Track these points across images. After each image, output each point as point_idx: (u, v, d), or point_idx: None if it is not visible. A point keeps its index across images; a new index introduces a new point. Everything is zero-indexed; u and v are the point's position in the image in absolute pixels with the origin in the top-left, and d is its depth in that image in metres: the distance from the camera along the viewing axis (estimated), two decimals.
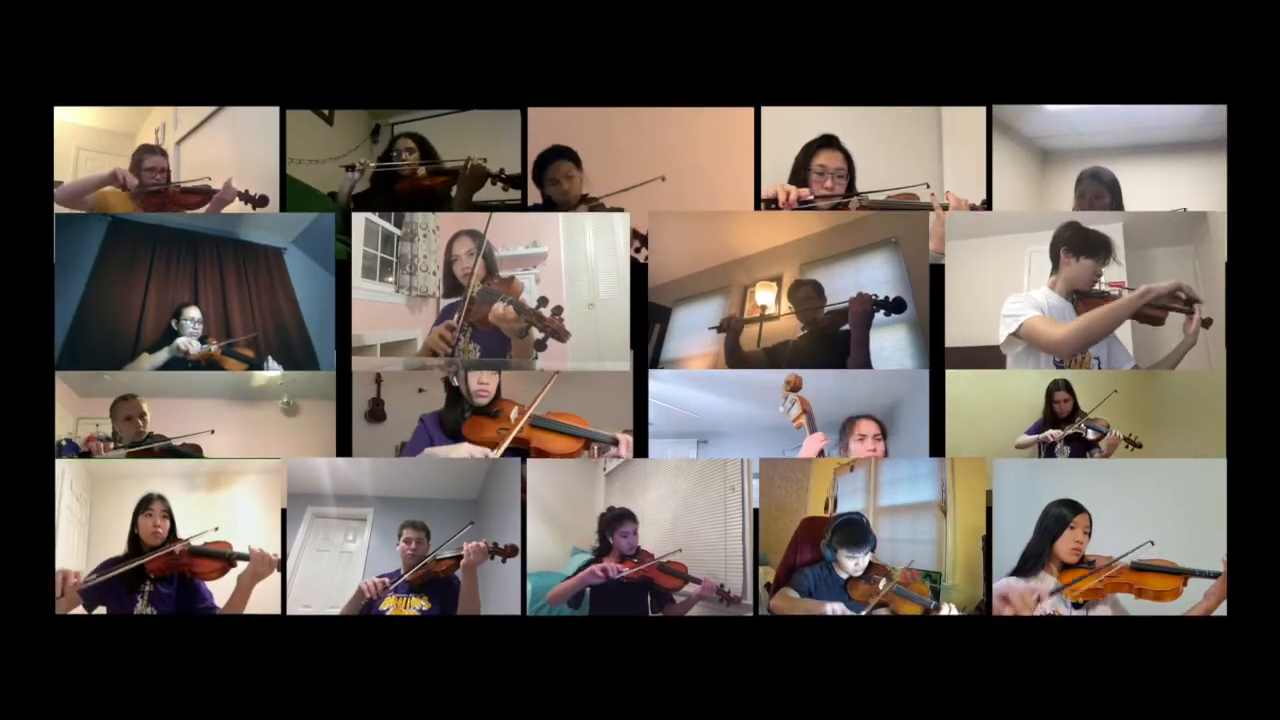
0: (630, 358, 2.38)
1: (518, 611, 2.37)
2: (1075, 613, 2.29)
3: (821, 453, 2.39)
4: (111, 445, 2.40)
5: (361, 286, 2.43)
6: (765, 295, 2.44)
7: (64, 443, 2.39)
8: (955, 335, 2.36)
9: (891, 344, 2.35)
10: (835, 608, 2.29)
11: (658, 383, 2.40)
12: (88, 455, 2.39)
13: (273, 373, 2.45)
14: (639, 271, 2.40)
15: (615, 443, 2.37)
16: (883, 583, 2.30)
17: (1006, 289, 2.39)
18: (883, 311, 2.33)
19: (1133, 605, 2.28)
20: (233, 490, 2.41)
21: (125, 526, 2.38)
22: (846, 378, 2.38)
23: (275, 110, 2.40)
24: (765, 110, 2.38)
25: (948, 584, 2.33)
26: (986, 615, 2.32)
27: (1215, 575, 2.25)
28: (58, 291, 2.37)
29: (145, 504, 2.39)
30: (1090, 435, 2.39)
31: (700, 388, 2.44)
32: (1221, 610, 2.27)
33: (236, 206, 2.43)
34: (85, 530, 2.40)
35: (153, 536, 2.37)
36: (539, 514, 2.39)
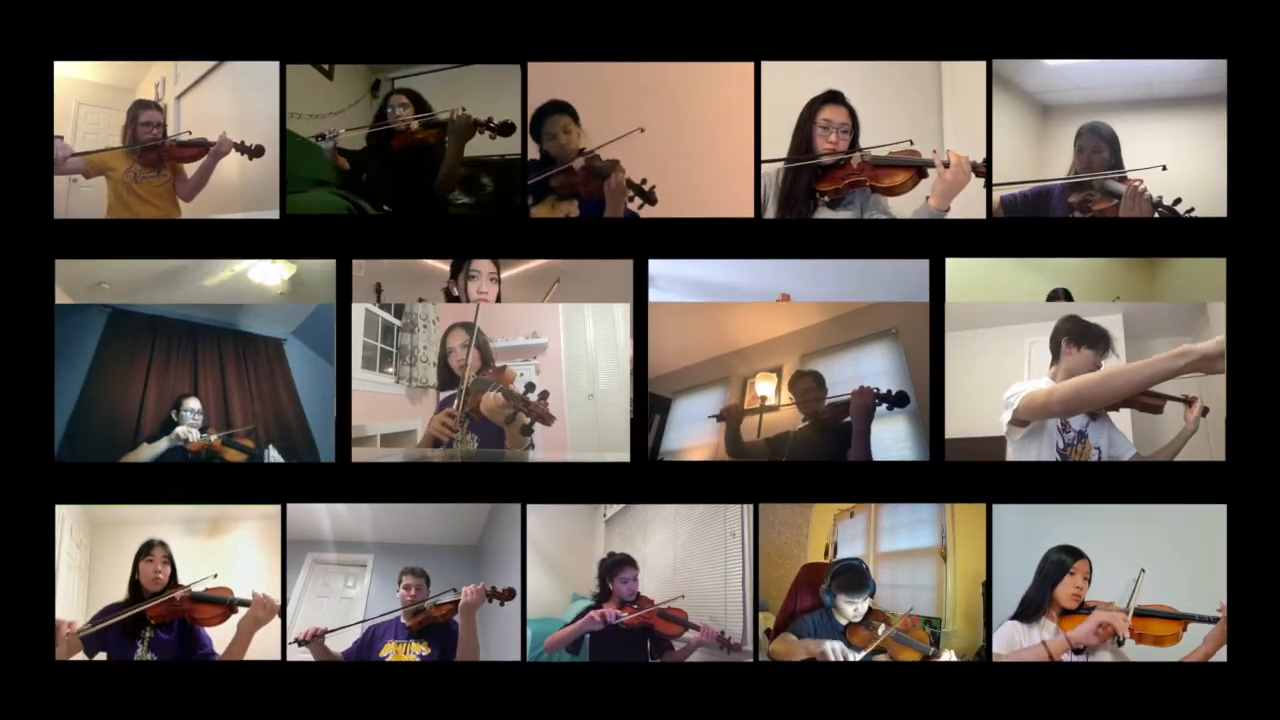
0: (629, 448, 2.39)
1: (517, 658, 2.36)
2: (1075, 658, 2.29)
3: None
4: None
5: (361, 377, 2.43)
6: (765, 386, 2.44)
7: None
8: (956, 427, 2.36)
9: (890, 436, 2.35)
10: (834, 645, 2.29)
11: (658, 291, 2.38)
12: None
13: (273, 282, 2.44)
14: (639, 226, 2.38)
15: None
16: (882, 628, 2.30)
17: (1006, 380, 2.37)
18: (885, 405, 2.33)
19: (1133, 650, 2.28)
20: (233, 536, 2.41)
21: (125, 572, 2.39)
22: (846, 288, 2.39)
23: (275, 65, 2.39)
24: (765, 65, 2.37)
25: (947, 630, 2.33)
26: (986, 661, 2.32)
27: (1215, 620, 2.26)
28: (58, 382, 2.37)
29: (146, 550, 2.39)
30: None
31: (700, 297, 2.42)
32: (1221, 655, 2.27)
33: (233, 157, 2.42)
34: (85, 576, 2.40)
35: (153, 582, 2.37)
36: (539, 560, 2.38)
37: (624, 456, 2.38)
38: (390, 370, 2.49)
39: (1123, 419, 2.36)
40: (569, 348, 2.48)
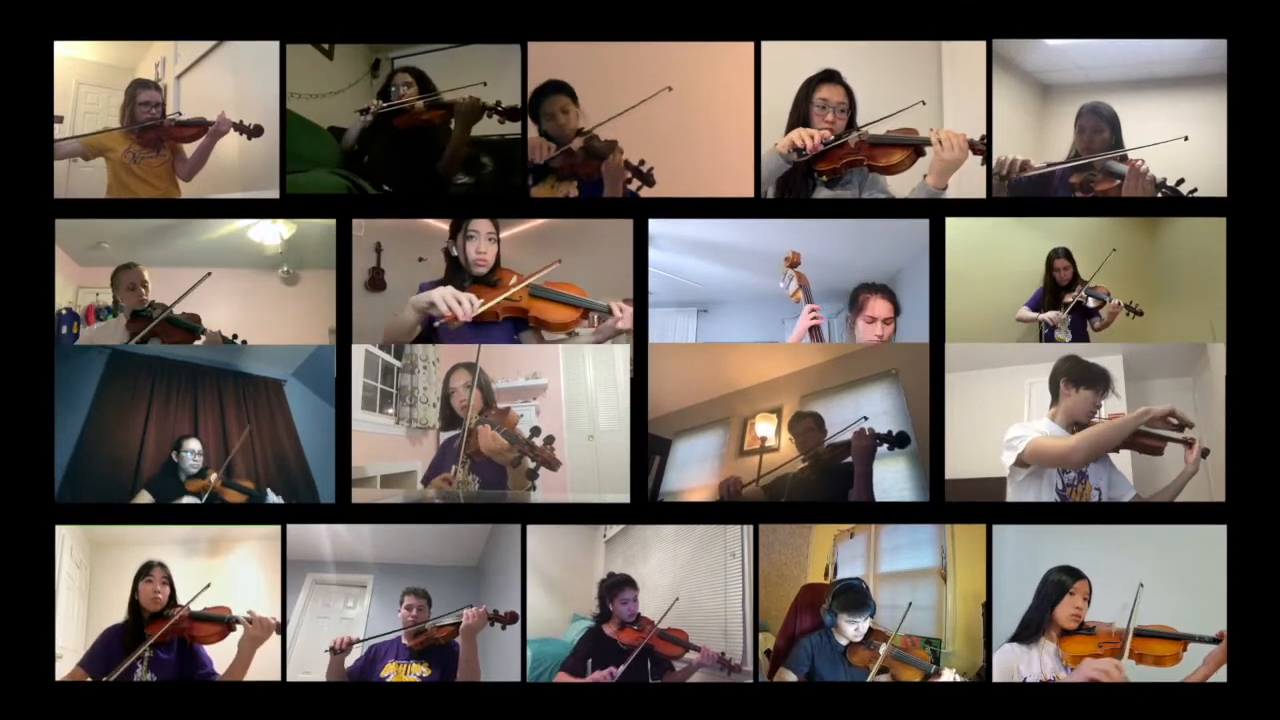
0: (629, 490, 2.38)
1: (517, 678, 2.36)
2: (1075, 678, 2.29)
3: (815, 328, 2.36)
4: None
5: (361, 418, 2.41)
6: (765, 427, 2.44)
7: (64, 311, 2.39)
8: (956, 467, 2.34)
9: (891, 477, 2.33)
10: None
11: (658, 251, 2.38)
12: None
13: (273, 242, 2.44)
14: (638, 206, 2.37)
15: (612, 311, 2.32)
16: (883, 648, 2.30)
17: (1006, 421, 2.36)
18: (886, 446, 2.32)
19: (1133, 671, 2.27)
20: (233, 556, 2.41)
21: (125, 593, 2.38)
22: (849, 246, 2.39)
23: (275, 45, 2.37)
24: (765, 45, 2.36)
25: (947, 650, 2.33)
26: (987, 681, 2.31)
27: (1215, 641, 2.25)
28: (58, 424, 2.35)
29: (146, 570, 2.39)
30: (1091, 304, 2.42)
31: (701, 256, 2.43)
32: (1221, 675, 2.27)
33: (233, 137, 2.41)
34: (85, 596, 2.40)
35: (153, 602, 2.37)
36: (539, 581, 2.38)
37: (624, 498, 2.37)
38: (390, 411, 2.48)
39: (1123, 460, 2.35)
40: (569, 389, 2.47)
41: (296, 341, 2.42)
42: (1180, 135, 2.32)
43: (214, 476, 2.45)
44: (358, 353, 2.40)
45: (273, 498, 2.43)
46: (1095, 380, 2.35)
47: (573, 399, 2.47)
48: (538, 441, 2.39)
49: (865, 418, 2.33)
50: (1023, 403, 2.40)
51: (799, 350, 2.40)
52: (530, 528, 2.37)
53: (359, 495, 2.38)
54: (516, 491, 2.40)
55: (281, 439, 2.49)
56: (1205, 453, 2.27)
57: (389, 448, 2.48)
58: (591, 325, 2.39)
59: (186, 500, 2.41)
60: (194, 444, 2.48)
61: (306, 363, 2.45)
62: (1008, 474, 2.34)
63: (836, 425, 2.37)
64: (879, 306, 2.41)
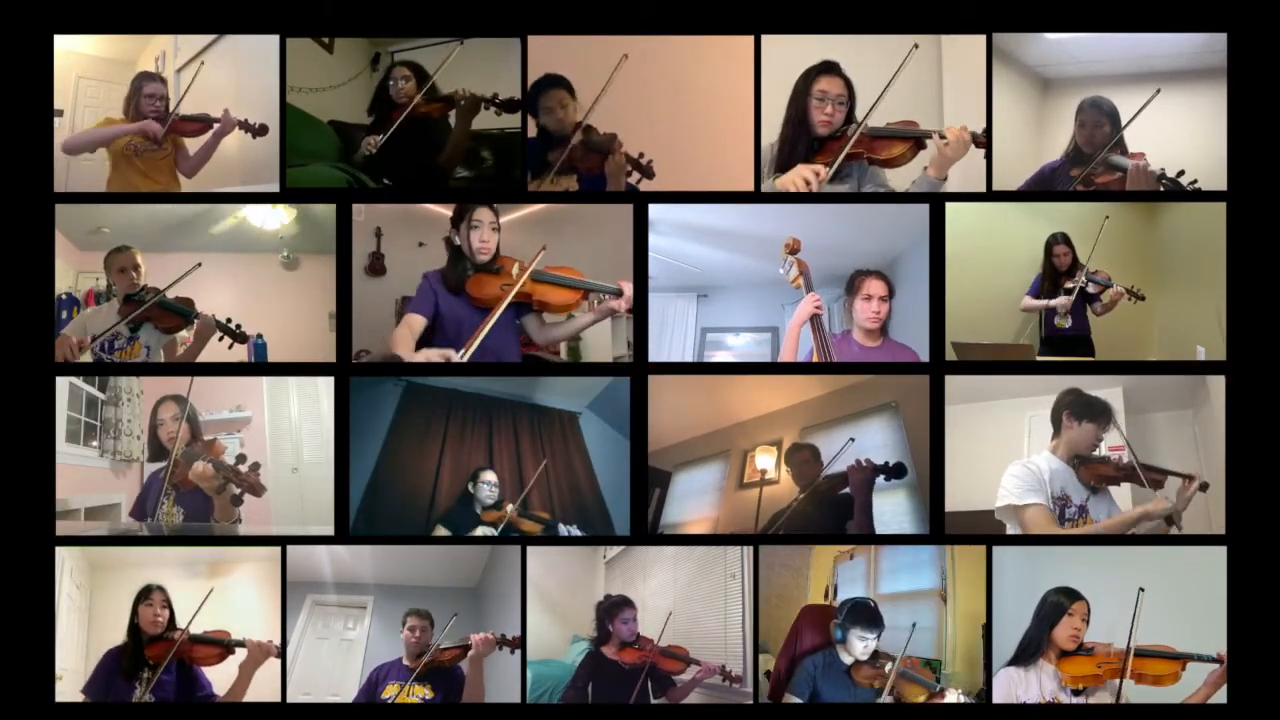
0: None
1: (517, 699, 2.36)
2: (1076, 700, 2.29)
3: (816, 316, 2.36)
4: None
5: (65, 451, 2.38)
6: (765, 460, 2.43)
7: (63, 296, 2.39)
8: (956, 500, 2.33)
9: (891, 508, 2.33)
10: None
11: (658, 236, 2.37)
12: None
13: (273, 227, 2.45)
14: (638, 200, 2.35)
15: (618, 293, 2.32)
16: (889, 666, 2.29)
17: (1006, 454, 2.36)
18: (883, 477, 2.30)
19: (1133, 691, 2.27)
20: (233, 578, 2.40)
21: (125, 615, 2.38)
22: (849, 232, 2.39)
23: (275, 39, 2.36)
24: (765, 39, 2.36)
25: (947, 672, 2.33)
26: (988, 703, 2.31)
27: (1214, 660, 2.25)
28: (353, 452, 2.35)
29: (145, 594, 2.38)
30: (1092, 289, 2.43)
31: (702, 242, 2.43)
32: (1221, 696, 2.27)
33: (236, 135, 2.39)
34: (85, 618, 2.40)
35: (153, 625, 2.37)
36: (539, 602, 2.37)
37: (328, 530, 2.35)
38: (94, 444, 2.46)
39: (1123, 494, 2.35)
40: (273, 422, 2.48)
41: (296, 326, 2.43)
42: (1159, 129, 2.31)
43: (510, 508, 2.44)
44: (62, 385, 2.38)
45: (566, 529, 2.43)
46: (1098, 413, 2.34)
47: (276, 431, 2.48)
48: (243, 468, 2.36)
49: (852, 439, 2.33)
50: (1023, 435, 2.39)
51: (799, 383, 2.39)
52: (530, 549, 2.36)
53: (63, 528, 2.35)
54: (223, 521, 2.37)
55: (576, 471, 2.49)
56: (1204, 486, 2.27)
57: (93, 480, 2.48)
58: (590, 307, 2.39)
59: (481, 531, 2.41)
60: (490, 475, 2.49)
61: (601, 395, 2.46)
62: (997, 512, 2.33)
63: (833, 455, 2.36)
64: (874, 285, 2.41)
